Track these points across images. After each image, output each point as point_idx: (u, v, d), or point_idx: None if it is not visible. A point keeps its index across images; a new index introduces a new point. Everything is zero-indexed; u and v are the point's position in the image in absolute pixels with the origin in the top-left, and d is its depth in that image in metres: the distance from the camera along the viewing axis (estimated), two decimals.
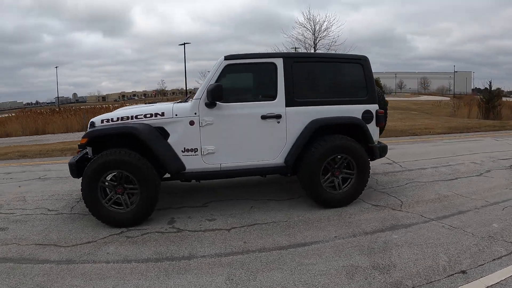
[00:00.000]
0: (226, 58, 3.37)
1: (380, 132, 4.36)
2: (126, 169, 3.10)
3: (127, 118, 3.33)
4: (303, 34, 18.47)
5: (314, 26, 18.24)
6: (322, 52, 18.11)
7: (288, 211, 3.53)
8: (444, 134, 8.95)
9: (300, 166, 3.47)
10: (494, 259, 2.41)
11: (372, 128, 3.68)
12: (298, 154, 3.43)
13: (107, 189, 3.21)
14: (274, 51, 17.91)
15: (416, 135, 8.80)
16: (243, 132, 3.38)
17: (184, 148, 3.33)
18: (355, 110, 3.60)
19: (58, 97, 49.29)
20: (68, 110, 18.96)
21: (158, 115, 3.32)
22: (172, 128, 3.32)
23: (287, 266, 2.41)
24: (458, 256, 2.47)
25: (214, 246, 2.78)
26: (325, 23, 18.30)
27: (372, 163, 5.39)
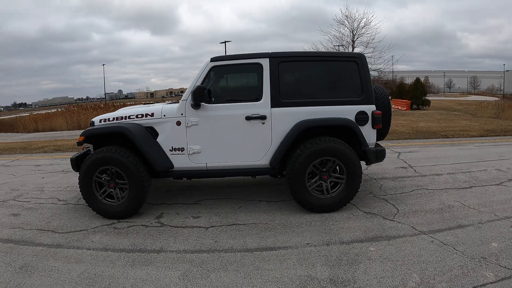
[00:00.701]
0: (212, 59, 3.48)
1: (383, 136, 4.15)
2: (116, 166, 3.38)
3: (122, 118, 3.62)
4: (340, 31, 18.17)
5: (352, 23, 17.86)
6: (361, 50, 17.59)
7: (274, 213, 3.55)
8: (480, 137, 8.11)
9: (286, 168, 3.46)
10: (475, 286, 2.15)
11: (368, 130, 3.51)
12: (283, 156, 3.43)
13: (103, 183, 3.50)
14: (312, 49, 17.87)
15: (448, 137, 8.11)
16: (227, 132, 3.47)
17: (172, 147, 3.53)
18: (347, 111, 3.46)
19: (105, 93, 54.12)
20: (111, 106, 20.60)
21: (148, 116, 3.56)
22: (161, 128, 3.53)
23: (244, 269, 2.46)
24: (433, 278, 2.26)
25: (186, 243, 2.93)
26: (364, 19, 17.78)
27: (384, 166, 5.24)
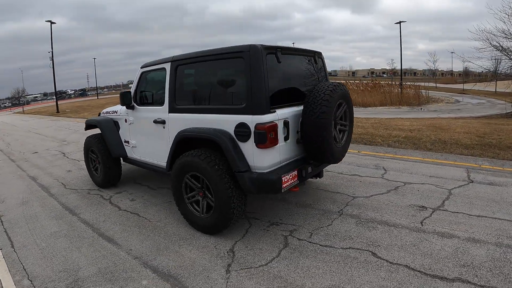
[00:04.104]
0: (142, 66, 4.53)
1: (321, 158, 3.51)
2: (95, 148, 5.27)
3: (107, 112, 5.45)
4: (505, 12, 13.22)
5: None
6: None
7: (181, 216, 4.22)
8: None
9: None
10: None
11: (250, 148, 3.15)
12: (171, 162, 3.92)
13: (94, 160, 5.53)
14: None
15: None
16: (145, 133, 4.49)
17: (124, 139, 5.01)
18: (227, 122, 3.27)
19: None
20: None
21: (114, 112, 5.18)
22: (120, 123, 5.08)
23: (84, 250, 3.55)
24: None
25: (92, 215, 4.38)
26: None
27: (403, 200, 4.32)
